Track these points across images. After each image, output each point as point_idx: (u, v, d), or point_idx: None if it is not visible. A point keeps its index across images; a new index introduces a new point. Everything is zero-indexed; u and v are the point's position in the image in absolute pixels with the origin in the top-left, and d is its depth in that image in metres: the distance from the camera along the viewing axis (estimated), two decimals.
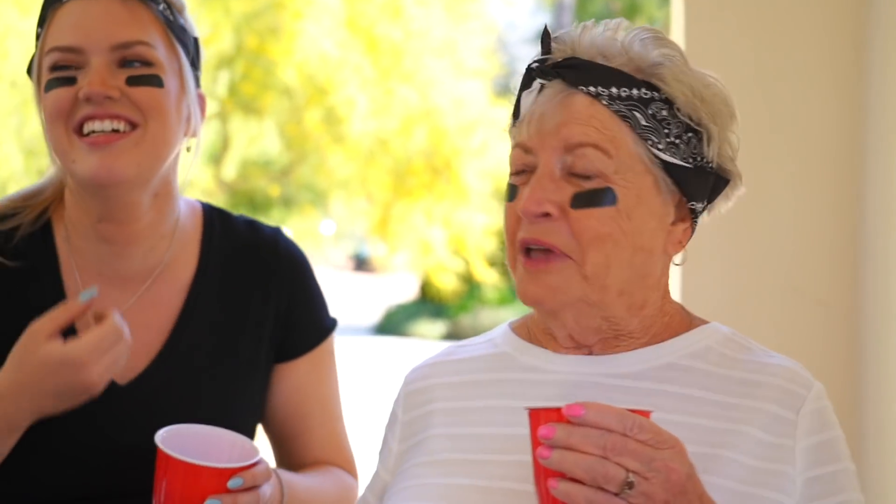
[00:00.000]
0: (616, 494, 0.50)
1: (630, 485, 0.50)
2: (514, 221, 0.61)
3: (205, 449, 0.75)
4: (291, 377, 0.91)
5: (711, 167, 0.64)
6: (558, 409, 0.51)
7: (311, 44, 4.96)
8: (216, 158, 5.68)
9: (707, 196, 0.66)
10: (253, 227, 0.93)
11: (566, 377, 0.67)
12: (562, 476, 0.50)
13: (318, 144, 5.49)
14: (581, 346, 0.67)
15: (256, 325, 0.89)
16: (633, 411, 0.51)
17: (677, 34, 1.46)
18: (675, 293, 0.88)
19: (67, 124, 0.77)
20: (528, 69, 0.64)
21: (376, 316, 11.21)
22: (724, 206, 0.69)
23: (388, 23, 5.13)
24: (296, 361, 0.91)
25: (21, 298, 0.84)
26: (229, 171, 5.77)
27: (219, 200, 6.06)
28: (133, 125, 0.76)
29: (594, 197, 0.59)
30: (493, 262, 6.71)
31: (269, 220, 8.24)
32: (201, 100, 0.86)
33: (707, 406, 0.65)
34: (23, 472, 0.80)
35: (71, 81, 0.76)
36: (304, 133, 5.49)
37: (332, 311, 0.95)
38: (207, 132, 5.19)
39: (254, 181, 6.30)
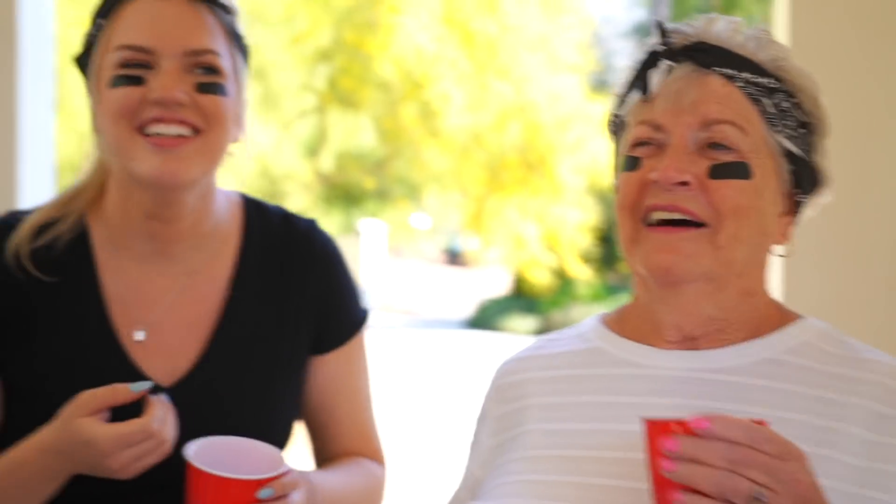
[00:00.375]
0: (745, 502, 0.51)
1: (758, 498, 0.51)
2: (636, 190, 0.62)
3: (234, 461, 0.76)
4: (324, 370, 0.92)
5: (814, 164, 0.67)
6: (677, 421, 0.51)
7: (408, 39, 5.07)
8: (314, 151, 5.93)
9: (810, 188, 0.68)
10: (288, 220, 0.93)
11: (663, 372, 0.68)
12: (687, 489, 0.51)
13: (413, 138, 5.63)
14: (685, 340, 0.67)
15: (295, 320, 0.90)
16: (754, 422, 0.52)
17: (781, 31, 1.47)
18: (777, 289, 0.89)
19: (132, 123, 0.78)
20: (654, 52, 0.65)
21: (469, 310, 11.49)
22: (814, 209, 0.70)
23: (484, 17, 5.17)
24: (329, 354, 0.91)
25: (61, 312, 0.86)
26: (326, 163, 6.01)
27: (316, 193, 6.35)
28: (196, 131, 0.77)
29: (733, 169, 0.62)
30: (586, 259, 6.65)
31: (364, 212, 8.47)
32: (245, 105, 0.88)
33: (808, 402, 0.65)
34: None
35: (139, 81, 0.78)
36: (399, 127, 5.65)
37: (365, 303, 0.95)
38: (306, 125, 5.42)
39: (350, 174, 6.55)
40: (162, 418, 0.74)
